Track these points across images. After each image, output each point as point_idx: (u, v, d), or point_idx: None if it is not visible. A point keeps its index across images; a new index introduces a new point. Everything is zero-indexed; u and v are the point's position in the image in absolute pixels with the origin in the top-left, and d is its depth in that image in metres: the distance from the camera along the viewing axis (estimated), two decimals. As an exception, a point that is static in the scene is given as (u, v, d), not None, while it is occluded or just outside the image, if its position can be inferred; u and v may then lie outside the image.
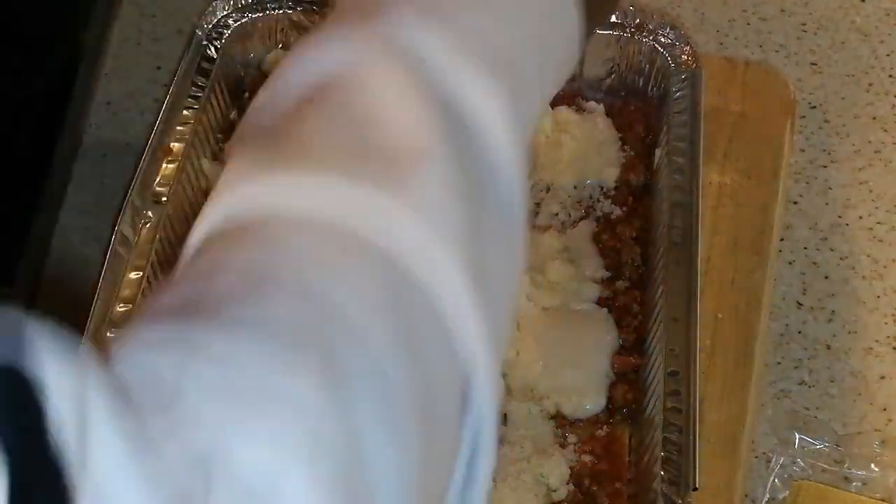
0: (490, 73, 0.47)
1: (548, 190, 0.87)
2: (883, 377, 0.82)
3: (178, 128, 0.86)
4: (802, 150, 0.94)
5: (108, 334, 0.75)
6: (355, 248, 0.42)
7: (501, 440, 0.76)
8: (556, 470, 0.74)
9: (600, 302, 0.81)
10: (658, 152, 0.86)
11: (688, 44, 0.89)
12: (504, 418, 0.77)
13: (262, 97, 0.49)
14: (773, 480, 0.77)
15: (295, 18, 0.94)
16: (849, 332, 0.84)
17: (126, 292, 0.77)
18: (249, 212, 0.43)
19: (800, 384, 0.82)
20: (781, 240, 0.88)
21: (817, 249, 0.89)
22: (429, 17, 0.48)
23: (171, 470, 0.34)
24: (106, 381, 0.35)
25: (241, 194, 0.44)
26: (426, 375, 0.42)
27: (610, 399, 0.77)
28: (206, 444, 0.36)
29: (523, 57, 0.51)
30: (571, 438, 0.76)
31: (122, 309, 0.77)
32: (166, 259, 0.81)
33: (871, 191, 0.92)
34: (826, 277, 0.87)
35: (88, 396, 0.34)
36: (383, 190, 0.43)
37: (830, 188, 0.92)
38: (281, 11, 0.93)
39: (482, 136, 0.47)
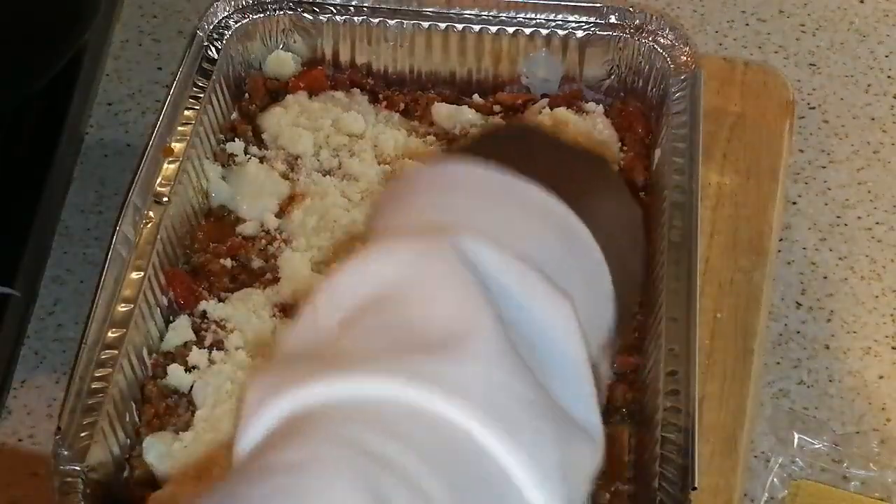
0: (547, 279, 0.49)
1: (547, 190, 0.87)
2: (881, 377, 0.83)
3: (179, 128, 0.86)
4: (801, 151, 0.94)
5: (109, 333, 0.75)
6: (423, 418, 0.42)
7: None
8: (556, 469, 0.74)
9: (600, 302, 0.81)
10: (657, 152, 0.87)
11: (687, 45, 0.89)
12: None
13: (324, 289, 0.49)
14: (772, 480, 0.78)
15: (295, 19, 0.94)
16: (847, 332, 0.85)
17: (127, 292, 0.78)
18: (306, 409, 0.43)
19: (799, 384, 0.82)
20: (780, 240, 0.88)
21: (816, 250, 0.89)
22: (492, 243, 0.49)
23: None
24: None
25: (294, 397, 0.43)
26: None
27: (609, 399, 0.77)
28: None
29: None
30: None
31: (122, 309, 0.77)
32: (167, 259, 0.81)
33: (869, 191, 0.92)
34: (825, 277, 0.87)
35: None
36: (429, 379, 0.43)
37: (829, 188, 0.92)
38: (281, 12, 0.93)
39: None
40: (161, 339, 0.79)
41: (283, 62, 0.94)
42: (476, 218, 0.51)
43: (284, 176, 0.88)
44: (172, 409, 0.76)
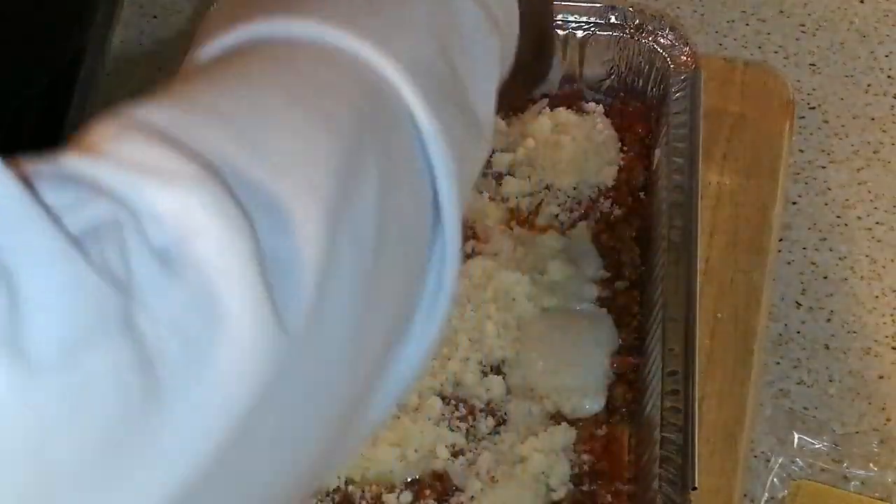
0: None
1: (548, 190, 0.87)
2: (881, 377, 0.83)
3: (179, 128, 0.86)
4: (801, 151, 0.94)
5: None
6: (343, 63, 0.46)
7: (498, 430, 0.77)
8: (556, 469, 0.74)
9: (600, 302, 0.82)
10: (657, 152, 0.87)
11: (687, 45, 0.89)
12: (504, 418, 0.77)
13: None
14: (772, 480, 0.78)
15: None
16: (847, 332, 0.85)
17: (127, 292, 0.77)
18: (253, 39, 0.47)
19: (798, 384, 0.82)
20: (780, 240, 0.88)
21: (816, 249, 0.89)
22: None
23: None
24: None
25: (247, 29, 0.48)
26: (397, 175, 0.46)
27: (609, 399, 0.78)
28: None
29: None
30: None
31: (122, 309, 0.77)
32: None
33: (869, 191, 0.92)
34: (825, 277, 0.87)
35: None
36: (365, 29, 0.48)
37: (829, 188, 0.92)
38: (281, 12, 0.93)
39: None
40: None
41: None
42: None
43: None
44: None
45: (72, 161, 0.38)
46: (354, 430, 0.46)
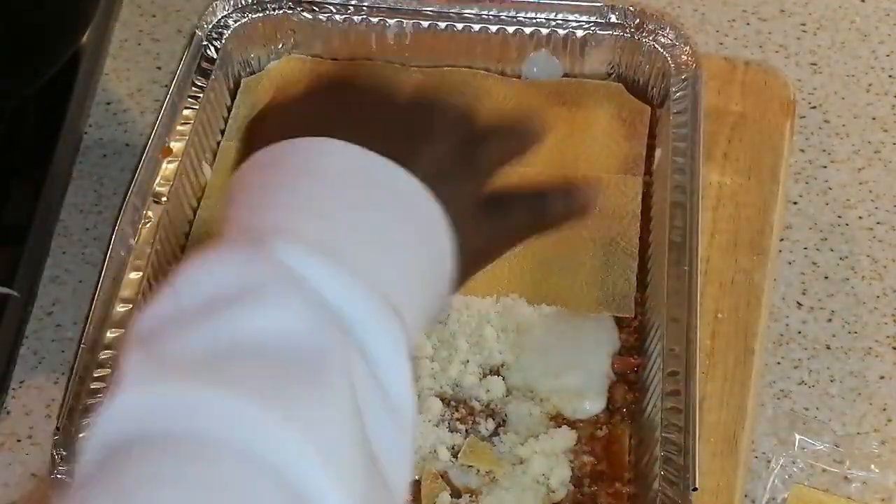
0: (375, 297, 0.50)
1: (548, 190, 0.87)
2: (882, 377, 0.82)
3: (178, 128, 0.86)
4: (802, 151, 0.94)
5: (109, 334, 0.75)
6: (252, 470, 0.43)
7: (499, 432, 0.76)
8: (556, 470, 0.74)
9: (600, 302, 0.81)
10: (658, 152, 0.87)
11: (688, 44, 0.89)
12: (504, 419, 0.77)
13: (154, 308, 0.49)
14: (773, 481, 0.77)
15: (295, 19, 0.94)
16: (848, 333, 0.84)
17: (126, 292, 0.77)
18: (144, 427, 0.44)
19: (799, 384, 0.82)
20: (781, 240, 0.88)
21: (817, 249, 0.89)
22: (315, 252, 0.50)
23: None
24: None
25: (136, 404, 0.44)
26: None
27: (610, 399, 0.77)
28: None
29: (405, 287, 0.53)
30: (571, 439, 0.76)
31: (121, 309, 0.77)
32: (166, 259, 0.81)
33: (870, 191, 0.92)
34: (826, 277, 0.87)
35: None
36: (276, 410, 0.44)
37: (830, 188, 0.92)
38: (281, 12, 0.93)
39: (373, 352, 0.49)
40: (160, 339, 0.79)
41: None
42: (295, 208, 0.52)
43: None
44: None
45: None
46: None
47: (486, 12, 0.92)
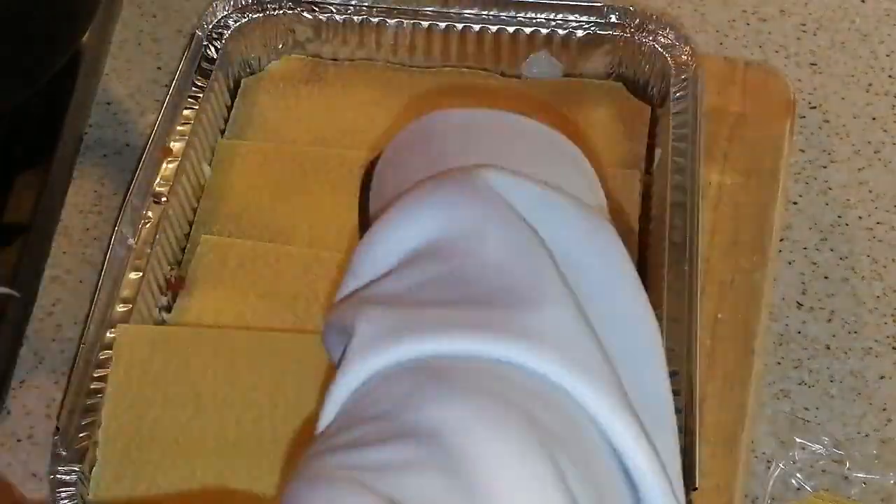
0: None
1: (548, 190, 0.87)
2: (882, 377, 0.82)
3: (178, 128, 0.86)
4: (802, 151, 0.94)
5: (108, 334, 0.75)
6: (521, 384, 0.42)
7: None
8: (556, 470, 0.74)
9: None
10: (658, 152, 0.86)
11: (688, 44, 0.89)
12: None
13: (363, 252, 0.48)
14: (774, 481, 0.77)
15: (294, 18, 0.94)
16: (848, 333, 0.84)
17: (126, 292, 0.77)
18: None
19: (799, 384, 0.82)
20: (781, 240, 0.88)
21: (817, 249, 0.89)
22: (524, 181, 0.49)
23: None
24: None
25: (389, 357, 0.43)
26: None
27: (610, 399, 0.77)
28: None
29: None
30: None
31: (122, 309, 0.77)
32: (166, 259, 0.81)
33: (870, 191, 0.92)
34: (826, 277, 0.87)
35: None
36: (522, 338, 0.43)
37: (830, 188, 0.92)
38: (281, 12, 0.93)
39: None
40: (160, 339, 0.79)
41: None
42: (486, 154, 0.51)
43: (284, 176, 0.88)
44: (171, 410, 0.76)
45: None
46: None
47: (486, 12, 0.92)
